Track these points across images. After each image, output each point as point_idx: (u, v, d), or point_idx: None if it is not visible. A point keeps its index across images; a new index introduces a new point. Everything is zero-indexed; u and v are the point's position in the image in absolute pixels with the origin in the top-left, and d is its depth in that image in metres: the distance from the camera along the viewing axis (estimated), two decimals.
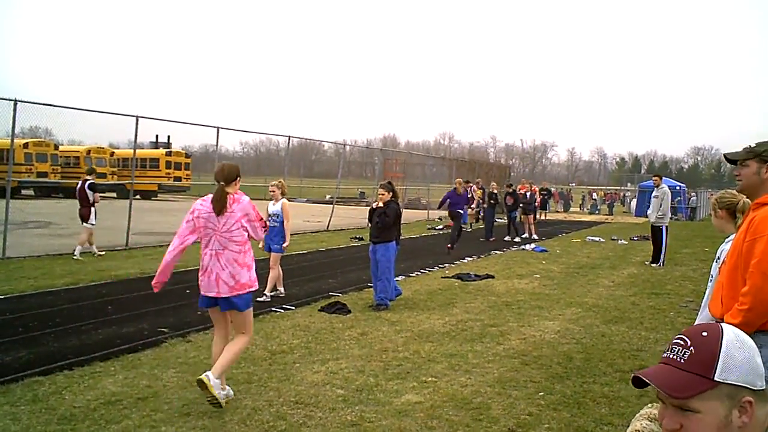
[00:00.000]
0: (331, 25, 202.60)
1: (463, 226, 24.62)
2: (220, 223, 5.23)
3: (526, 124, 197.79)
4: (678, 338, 1.38)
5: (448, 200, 18.46)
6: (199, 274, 5.44)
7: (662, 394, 1.34)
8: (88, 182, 13.84)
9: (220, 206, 5.20)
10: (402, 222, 9.61)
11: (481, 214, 26.11)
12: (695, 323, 3.79)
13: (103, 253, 14.09)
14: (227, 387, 5.28)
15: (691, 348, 1.34)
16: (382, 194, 9.24)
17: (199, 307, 5.73)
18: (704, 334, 1.35)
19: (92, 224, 13.64)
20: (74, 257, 13.14)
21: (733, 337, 1.34)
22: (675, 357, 1.35)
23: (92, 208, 13.62)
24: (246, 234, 5.33)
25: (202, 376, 4.92)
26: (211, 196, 5.34)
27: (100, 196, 14.10)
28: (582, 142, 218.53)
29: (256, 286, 5.41)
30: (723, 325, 1.39)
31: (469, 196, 25.46)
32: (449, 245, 16.70)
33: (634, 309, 9.46)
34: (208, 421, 4.80)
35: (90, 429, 4.62)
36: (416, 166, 38.47)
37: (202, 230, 5.30)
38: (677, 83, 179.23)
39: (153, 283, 5.58)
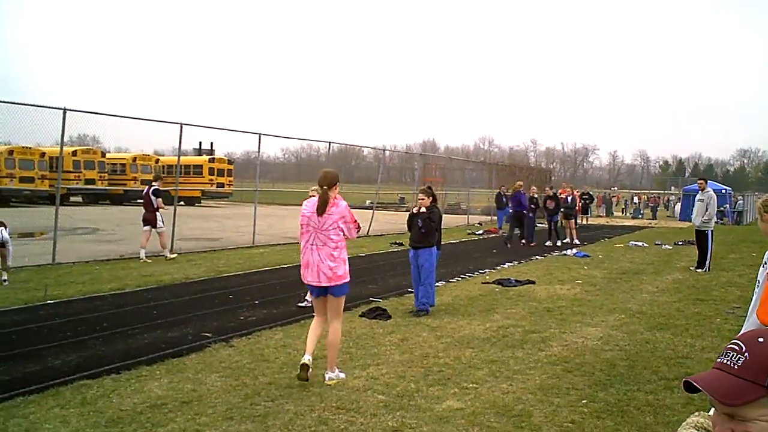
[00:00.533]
0: (373, 32, 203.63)
1: (501, 230, 24.57)
2: (320, 222, 6.03)
3: (567, 127, 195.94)
4: (733, 343, 1.34)
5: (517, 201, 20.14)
6: (302, 268, 6.21)
7: (714, 401, 1.30)
8: (153, 188, 14.34)
9: (322, 208, 6.02)
10: (442, 227, 9.60)
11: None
12: (742, 330, 3.72)
13: (175, 255, 14.78)
14: (338, 371, 6.13)
15: (746, 354, 1.29)
16: (422, 199, 9.24)
17: (312, 296, 6.40)
18: (760, 339, 1.31)
19: (162, 227, 14.39)
20: (167, 258, 14.14)
21: None
22: (728, 362, 1.31)
23: (157, 213, 14.22)
24: (342, 233, 6.10)
25: (326, 381, 5.95)
26: (315, 198, 6.16)
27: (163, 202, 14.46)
28: (624, 144, 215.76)
29: (348, 279, 6.17)
30: None
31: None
32: (524, 241, 19.85)
33: (679, 315, 9.29)
34: (251, 425, 4.86)
35: None
36: (456, 171, 38.33)
37: (305, 227, 6.14)
38: (722, 84, 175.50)
39: (305, 278, 6.24)
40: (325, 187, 6.08)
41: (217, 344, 7.19)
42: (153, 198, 14.27)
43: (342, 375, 6.09)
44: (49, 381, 5.76)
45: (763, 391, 1.25)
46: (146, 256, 14.01)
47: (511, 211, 20.31)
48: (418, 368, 6.39)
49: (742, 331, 3.65)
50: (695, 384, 1.31)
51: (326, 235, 6.02)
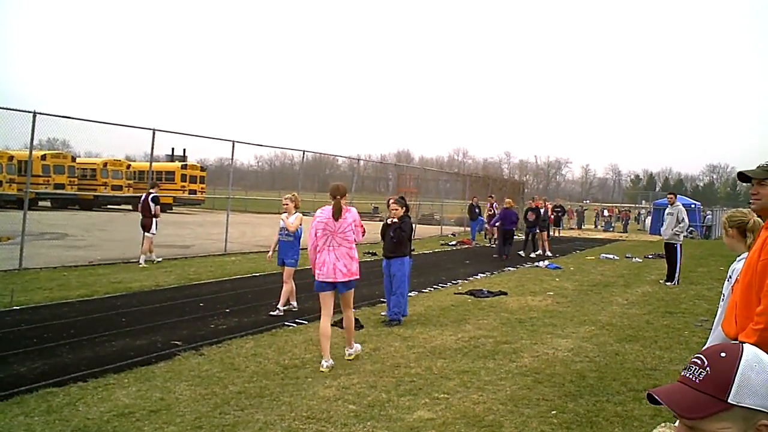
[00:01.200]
0: (347, 41, 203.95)
1: (474, 241, 24.71)
2: (336, 226, 6.92)
3: (541, 140, 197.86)
4: (696, 357, 1.36)
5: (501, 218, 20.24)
6: (318, 266, 6.94)
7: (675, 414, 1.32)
8: (152, 195, 14.84)
9: (338, 213, 6.92)
10: (416, 237, 9.64)
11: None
12: (707, 343, 3.77)
13: (161, 259, 15.18)
14: (355, 344, 7.32)
15: (708, 368, 1.31)
16: (396, 209, 9.26)
17: (315, 291, 7.05)
18: (722, 354, 1.33)
19: (153, 233, 14.76)
20: (140, 265, 14.27)
21: (752, 359, 1.31)
22: (691, 376, 1.33)
23: (154, 219, 14.71)
24: (353, 235, 7.07)
25: (346, 356, 7.13)
26: (328, 207, 7.00)
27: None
28: (596, 158, 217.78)
29: (358, 275, 7.12)
30: (745, 345, 1.36)
31: (490, 212, 25.63)
32: (505, 255, 19.47)
33: (648, 328, 9.40)
34: None
35: None
36: (430, 181, 38.42)
37: (321, 232, 6.91)
38: (693, 101, 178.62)
39: (318, 275, 7.01)
40: (338, 197, 7.00)
41: (186, 353, 7.12)
42: (152, 204, 14.74)
43: (359, 347, 7.35)
44: (14, 388, 5.65)
45: (723, 405, 1.27)
46: (144, 262, 14.45)
47: (500, 226, 20.35)
48: (390, 378, 6.38)
49: (707, 344, 3.70)
50: (657, 397, 1.33)
51: (342, 237, 6.95)
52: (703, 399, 1.28)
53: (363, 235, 7.47)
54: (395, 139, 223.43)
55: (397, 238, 9.15)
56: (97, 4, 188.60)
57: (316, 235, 6.96)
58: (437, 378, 6.44)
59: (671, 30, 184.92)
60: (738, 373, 1.29)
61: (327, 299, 6.96)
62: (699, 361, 1.34)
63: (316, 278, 6.93)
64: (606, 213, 52.23)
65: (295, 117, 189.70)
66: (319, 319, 9.19)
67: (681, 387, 1.34)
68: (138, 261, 14.47)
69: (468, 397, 5.87)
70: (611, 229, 45.00)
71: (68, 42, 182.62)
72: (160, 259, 15.03)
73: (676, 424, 1.65)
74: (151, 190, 14.94)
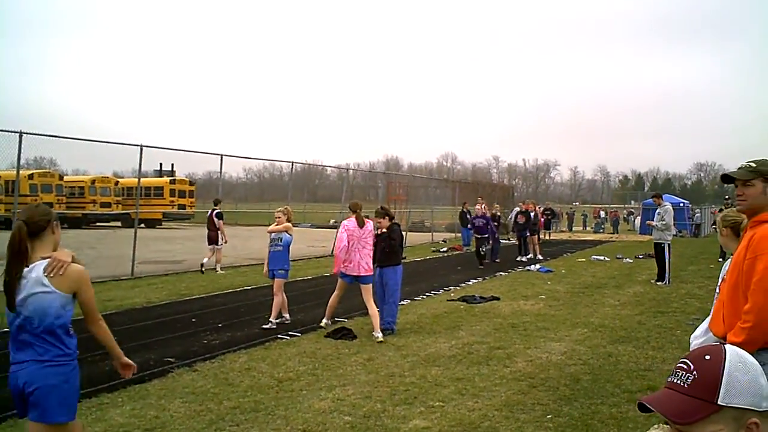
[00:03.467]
0: (331, 49, 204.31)
1: (466, 247, 24.78)
2: (361, 233, 9.06)
3: (529, 144, 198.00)
4: (682, 362, 1.38)
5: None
6: (345, 263, 9.00)
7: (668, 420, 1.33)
8: (216, 211, 16.59)
9: (362, 223, 9.13)
10: (406, 245, 9.70)
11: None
12: (699, 342, 3.78)
13: (223, 271, 16.70)
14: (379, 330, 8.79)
15: (694, 372, 1.33)
16: (380, 221, 9.39)
17: (340, 278, 9.21)
18: (707, 357, 1.35)
19: (221, 245, 16.59)
20: (217, 271, 16.35)
21: (736, 360, 1.33)
22: (679, 382, 1.35)
23: (219, 233, 16.38)
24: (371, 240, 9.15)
25: (376, 340, 8.53)
26: (353, 219, 9.14)
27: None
28: (585, 160, 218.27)
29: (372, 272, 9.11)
30: (726, 346, 1.38)
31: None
32: (481, 265, 18.54)
33: (641, 328, 9.44)
34: None
35: None
36: (419, 188, 38.49)
37: (350, 237, 8.98)
38: (679, 99, 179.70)
39: (334, 271, 9.28)
40: (358, 210, 9.22)
41: (180, 369, 7.09)
42: (216, 219, 16.41)
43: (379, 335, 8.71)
44: (6, 412, 5.61)
45: (714, 407, 1.29)
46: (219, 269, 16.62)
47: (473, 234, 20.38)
48: (384, 388, 6.37)
49: (699, 344, 3.72)
50: (648, 405, 1.35)
51: (365, 241, 9.07)
52: (693, 403, 1.30)
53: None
54: (383, 146, 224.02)
55: (389, 247, 9.24)
56: (80, 20, 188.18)
57: (348, 240, 8.93)
58: (432, 386, 6.44)
59: (654, 27, 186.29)
60: (725, 374, 1.31)
61: (344, 285, 9.28)
62: (685, 366, 1.36)
63: (344, 271, 9.03)
64: (603, 214, 52.48)
65: (282, 128, 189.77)
66: (313, 331, 9.28)
67: (670, 393, 1.35)
68: (215, 269, 16.46)
69: (463, 404, 5.87)
70: (601, 230, 45.19)
71: (52, 58, 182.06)
72: (223, 271, 16.62)
73: None
74: (215, 207, 16.71)
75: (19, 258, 3.40)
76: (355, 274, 8.98)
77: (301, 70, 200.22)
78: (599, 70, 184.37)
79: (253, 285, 13.87)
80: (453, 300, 12.07)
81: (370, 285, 9.07)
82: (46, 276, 3.38)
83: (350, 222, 9.10)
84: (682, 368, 1.37)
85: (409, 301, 11.83)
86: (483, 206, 24.81)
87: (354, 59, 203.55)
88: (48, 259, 3.44)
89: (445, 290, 13.55)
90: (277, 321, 9.54)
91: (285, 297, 9.82)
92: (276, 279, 9.61)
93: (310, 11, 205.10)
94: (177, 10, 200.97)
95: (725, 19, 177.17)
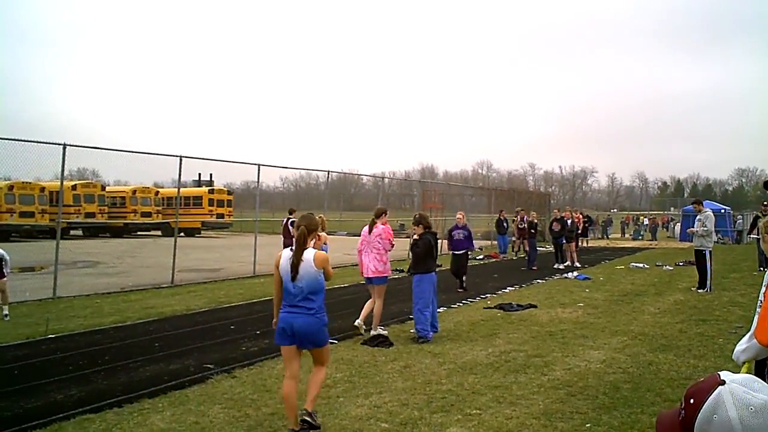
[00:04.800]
0: (368, 60, 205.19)
1: (503, 255, 24.65)
2: (370, 237, 9.72)
3: (565, 151, 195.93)
4: (685, 394, 1.41)
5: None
6: (360, 266, 9.88)
7: None
8: (291, 219, 17.23)
9: (370, 229, 9.76)
10: (442, 253, 9.73)
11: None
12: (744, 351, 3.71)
13: None
14: (378, 328, 9.42)
15: (683, 411, 1.38)
16: (414, 228, 9.60)
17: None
18: (691, 401, 1.37)
19: None
20: None
21: (710, 409, 1.32)
22: (680, 411, 1.40)
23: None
24: (381, 244, 9.64)
25: (371, 333, 9.30)
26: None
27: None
28: (622, 166, 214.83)
29: (388, 273, 9.81)
30: (719, 389, 1.35)
31: (522, 226, 25.59)
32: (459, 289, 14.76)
33: (682, 336, 9.28)
34: None
35: None
36: (455, 196, 38.34)
37: (361, 241, 9.85)
38: (719, 104, 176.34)
39: (361, 272, 9.92)
40: (373, 217, 9.90)
41: (219, 375, 7.18)
42: (291, 228, 16.19)
43: (384, 331, 9.35)
44: (52, 416, 5.74)
45: None
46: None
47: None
48: (421, 395, 6.37)
49: (743, 350, 3.66)
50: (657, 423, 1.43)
51: (373, 245, 9.63)
52: None
53: (391, 247, 9.89)
54: (419, 154, 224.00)
55: (413, 255, 9.64)
56: (120, 37, 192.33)
57: (360, 244, 9.82)
58: (469, 394, 6.42)
59: (692, 29, 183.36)
60: (697, 420, 1.34)
61: (368, 287, 10.02)
62: (683, 401, 1.40)
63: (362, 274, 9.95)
64: (646, 221, 51.77)
65: (318, 137, 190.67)
66: (349, 338, 9.33)
67: (673, 420, 1.40)
68: None
69: (501, 412, 5.84)
70: (640, 237, 44.53)
71: (93, 72, 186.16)
72: None
73: None
74: (290, 216, 17.66)
75: (301, 248, 5.42)
76: (365, 276, 9.74)
77: (338, 80, 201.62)
78: (636, 75, 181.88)
79: None
80: (490, 307, 12.01)
81: (380, 286, 9.66)
82: (312, 259, 5.39)
83: (365, 229, 9.84)
84: (683, 400, 1.40)
85: (445, 308, 11.80)
86: (520, 215, 24.75)
87: (391, 69, 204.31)
88: (312, 249, 5.51)
89: (482, 298, 13.49)
90: None
91: None
92: None
93: (348, 22, 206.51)
94: (216, 24, 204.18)
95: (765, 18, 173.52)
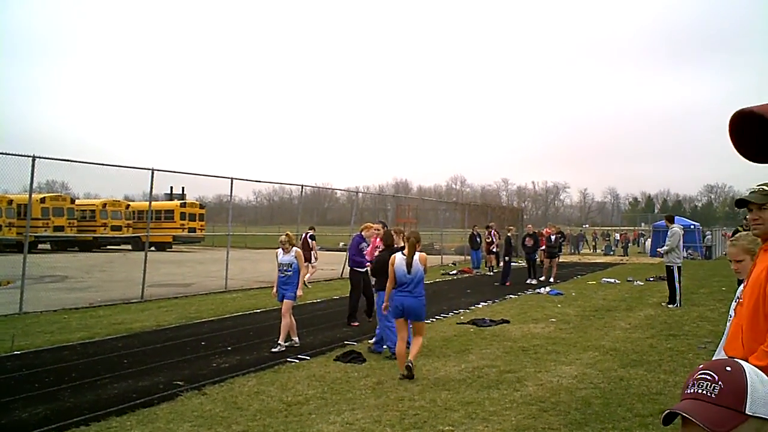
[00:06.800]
0: (340, 73, 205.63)
1: (476, 270, 24.74)
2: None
3: (538, 167, 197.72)
4: (703, 374, 1.40)
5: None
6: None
7: (695, 430, 1.34)
8: (310, 234, 19.82)
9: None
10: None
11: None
12: None
13: (310, 286, 18.12)
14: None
15: (720, 383, 1.35)
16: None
17: None
18: (728, 369, 1.38)
19: (313, 264, 19.23)
20: (306, 286, 16.91)
21: (753, 372, 1.37)
22: (704, 392, 1.36)
23: (312, 252, 19.18)
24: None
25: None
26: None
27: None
28: (594, 182, 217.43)
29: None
30: (739, 360, 1.41)
31: (489, 240, 25.73)
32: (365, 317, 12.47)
33: (652, 351, 9.36)
34: None
35: None
36: (429, 211, 38.56)
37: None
38: (687, 121, 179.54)
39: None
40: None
41: (189, 392, 7.07)
42: (310, 240, 19.49)
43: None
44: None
45: (743, 417, 1.32)
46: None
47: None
48: (394, 412, 6.33)
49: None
50: (683, 414, 1.35)
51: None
52: (724, 413, 1.32)
53: (371, 259, 10.90)
54: (393, 169, 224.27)
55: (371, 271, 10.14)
56: (88, 44, 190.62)
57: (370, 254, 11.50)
58: (441, 410, 6.40)
59: (662, 47, 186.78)
60: (748, 385, 1.34)
61: None
62: (709, 377, 1.38)
63: None
64: (617, 237, 52.46)
65: (292, 151, 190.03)
66: (322, 354, 9.27)
67: (699, 403, 1.36)
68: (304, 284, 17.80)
69: (473, 428, 5.82)
70: (611, 253, 45.02)
71: (63, 82, 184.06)
72: (309, 286, 18.14)
73: None
74: (309, 231, 20.02)
75: (412, 252, 7.89)
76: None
77: (310, 93, 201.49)
78: (607, 92, 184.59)
79: (263, 308, 13.87)
80: (463, 323, 12.02)
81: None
82: (418, 259, 7.91)
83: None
84: (705, 379, 1.38)
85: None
86: (488, 231, 24.89)
87: (363, 83, 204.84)
88: (418, 252, 8.00)
89: (454, 313, 13.49)
90: (287, 344, 9.52)
91: (294, 320, 9.81)
92: (285, 301, 9.61)
93: (319, 34, 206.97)
94: (187, 34, 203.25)
95: (736, 37, 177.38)
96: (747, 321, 3.32)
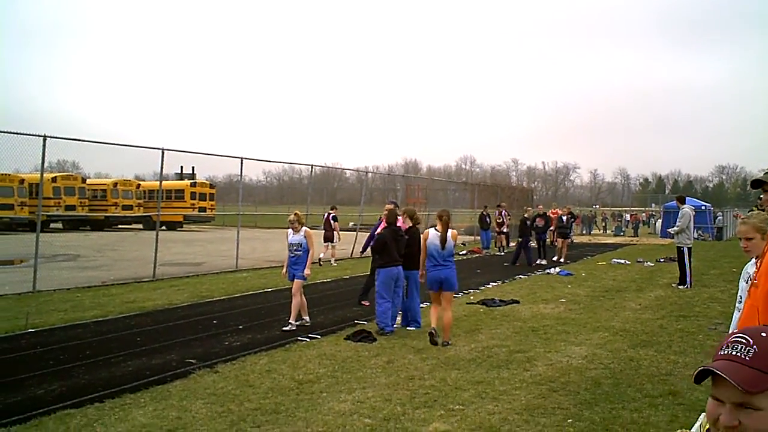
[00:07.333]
0: (351, 53, 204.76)
1: (486, 250, 24.73)
2: None
3: (548, 146, 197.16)
4: (738, 337, 1.41)
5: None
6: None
7: (722, 391, 1.36)
8: (332, 215, 20.01)
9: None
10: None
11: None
12: None
13: (336, 264, 19.68)
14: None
15: (755, 346, 1.37)
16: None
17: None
18: (763, 334, 1.40)
19: (335, 243, 19.89)
20: (332, 264, 19.60)
21: None
22: (738, 354, 1.38)
23: (335, 233, 19.76)
24: None
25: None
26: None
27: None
28: (605, 162, 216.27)
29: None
30: None
31: (500, 221, 25.69)
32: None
33: (662, 332, 9.37)
34: None
35: None
36: (438, 191, 38.44)
37: None
38: (699, 101, 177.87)
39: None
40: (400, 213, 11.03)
41: (201, 370, 7.14)
42: (332, 221, 19.82)
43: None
44: (32, 411, 5.69)
45: None
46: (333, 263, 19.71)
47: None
48: (404, 391, 6.38)
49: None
50: (718, 372, 1.36)
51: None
52: (756, 375, 1.34)
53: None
54: (402, 149, 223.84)
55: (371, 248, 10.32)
56: (101, 28, 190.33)
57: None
58: (452, 389, 6.44)
59: (673, 26, 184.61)
60: None
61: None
62: (744, 340, 1.40)
63: None
64: (628, 217, 52.23)
65: (302, 131, 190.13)
66: (332, 333, 9.32)
67: (732, 364, 1.38)
68: (330, 262, 19.78)
69: (483, 407, 5.86)
70: (622, 234, 44.88)
71: (75, 63, 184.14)
72: (336, 264, 19.68)
73: (693, 429, 1.68)
74: (331, 211, 20.12)
75: (446, 228, 8.66)
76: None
77: (320, 73, 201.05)
78: (618, 72, 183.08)
79: (273, 287, 13.94)
80: (473, 303, 12.05)
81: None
82: (450, 235, 8.68)
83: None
84: (740, 341, 1.40)
85: (428, 304, 11.79)
86: (498, 210, 24.82)
87: (373, 62, 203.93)
88: (450, 229, 8.70)
89: (464, 293, 13.52)
90: (297, 323, 9.58)
91: (304, 299, 9.86)
92: (295, 280, 9.66)
93: (330, 16, 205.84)
94: (198, 15, 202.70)
95: (749, 14, 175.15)
96: (763, 302, 3.31)
